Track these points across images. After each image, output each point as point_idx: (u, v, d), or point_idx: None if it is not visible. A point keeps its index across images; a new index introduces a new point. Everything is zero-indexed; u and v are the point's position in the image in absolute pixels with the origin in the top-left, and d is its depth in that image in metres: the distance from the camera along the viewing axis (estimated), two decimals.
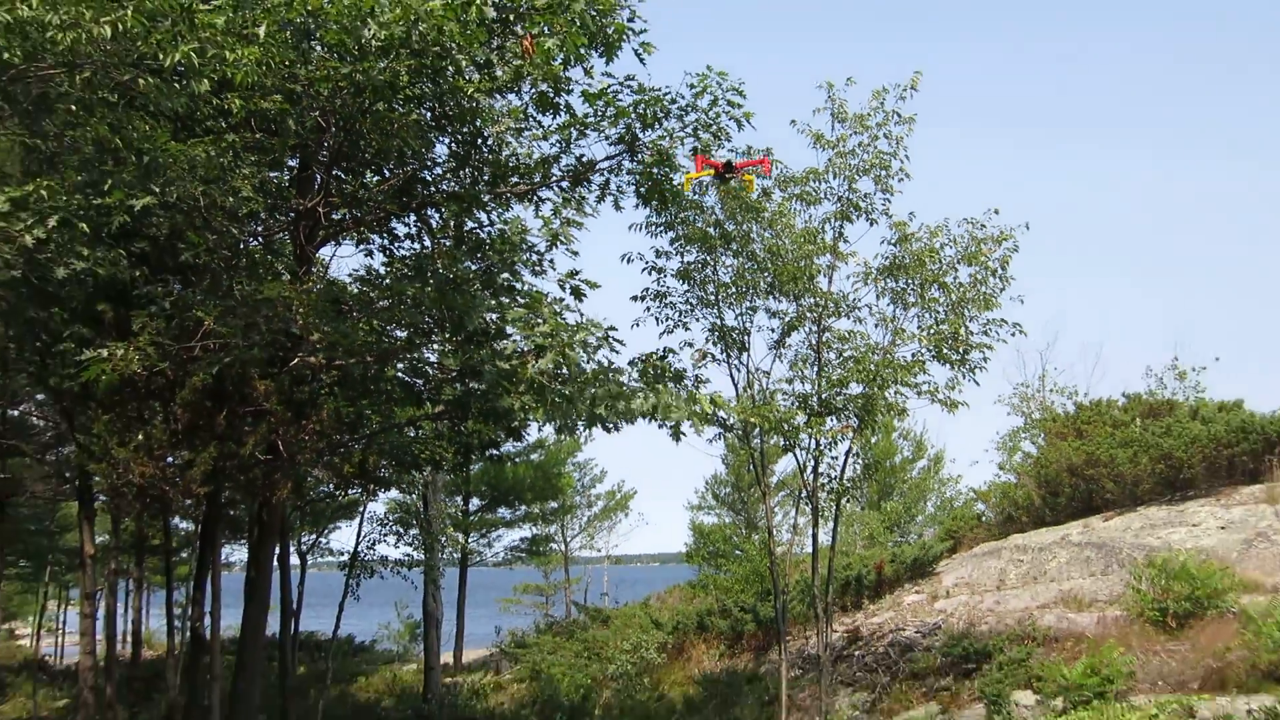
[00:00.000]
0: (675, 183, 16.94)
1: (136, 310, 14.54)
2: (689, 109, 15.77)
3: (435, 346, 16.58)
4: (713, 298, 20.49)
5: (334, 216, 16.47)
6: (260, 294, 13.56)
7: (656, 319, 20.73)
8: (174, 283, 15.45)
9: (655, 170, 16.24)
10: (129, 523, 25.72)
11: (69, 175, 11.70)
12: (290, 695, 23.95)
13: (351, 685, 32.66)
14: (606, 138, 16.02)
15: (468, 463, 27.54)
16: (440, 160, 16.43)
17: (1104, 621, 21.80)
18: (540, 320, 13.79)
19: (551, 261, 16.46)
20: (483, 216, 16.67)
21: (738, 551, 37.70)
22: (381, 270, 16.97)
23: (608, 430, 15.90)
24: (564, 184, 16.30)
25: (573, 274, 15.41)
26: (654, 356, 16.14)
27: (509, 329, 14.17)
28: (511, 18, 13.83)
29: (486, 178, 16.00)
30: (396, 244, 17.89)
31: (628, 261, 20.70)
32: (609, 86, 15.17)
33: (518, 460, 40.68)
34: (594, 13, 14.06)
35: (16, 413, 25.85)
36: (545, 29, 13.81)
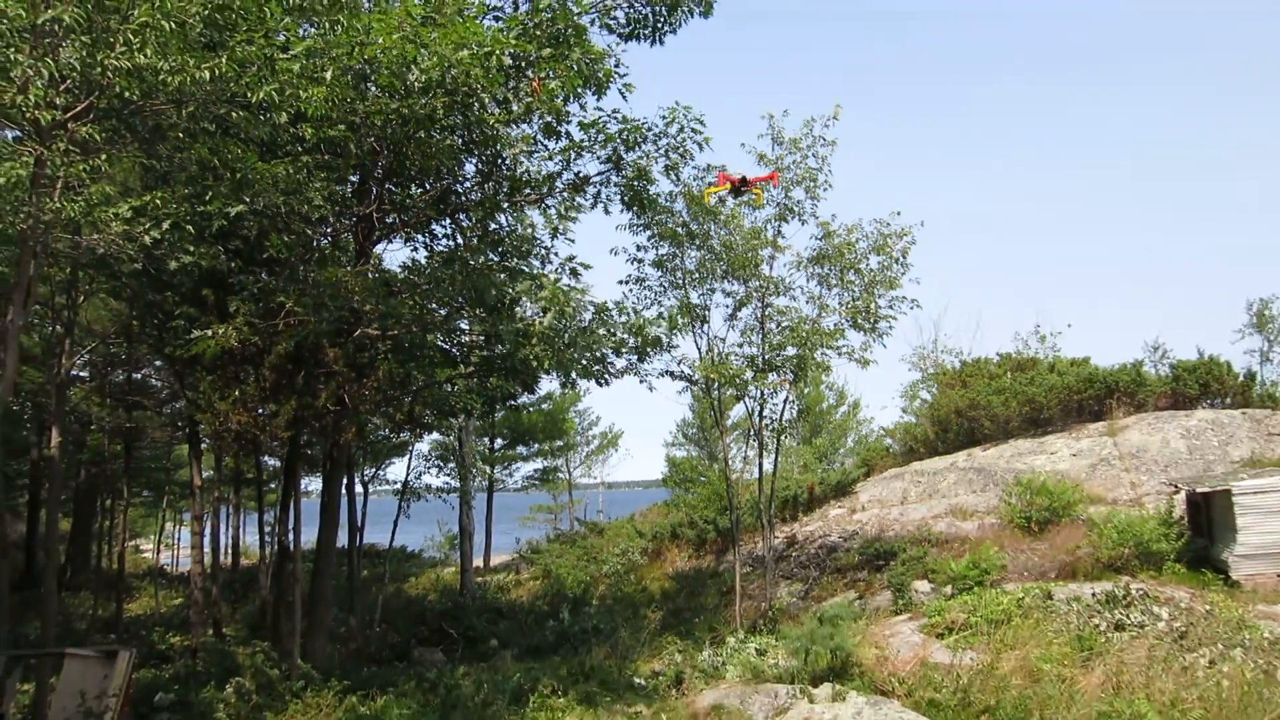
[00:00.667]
0: (651, 193, 16.96)
1: (232, 295, 14.54)
2: (661, 135, 15.78)
3: (466, 320, 16.59)
4: (680, 282, 20.48)
5: (387, 220, 16.43)
6: (324, 278, 13.58)
7: (637, 299, 20.78)
8: (261, 273, 15.40)
9: (636, 183, 16.27)
10: (229, 460, 25.83)
11: (178, 189, 11.65)
12: (356, 592, 24.05)
13: (404, 584, 32.79)
14: (598, 158, 16.04)
15: (493, 411, 27.55)
16: (469, 176, 16.36)
17: (983, 527, 22.09)
18: (543, 289, 13.84)
19: (554, 251, 16.49)
20: (502, 219, 16.69)
21: (702, 478, 37.83)
22: (423, 261, 16.94)
23: (600, 384, 16.04)
24: (565, 194, 16.28)
25: (570, 259, 15.52)
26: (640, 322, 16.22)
27: (522, 300, 14.17)
28: (524, 64, 13.74)
29: (505, 189, 15.96)
30: (435, 241, 17.84)
31: (614, 254, 20.71)
32: (599, 118, 15.18)
33: (531, 409, 40.74)
34: (588, 61, 14.03)
35: (140, 375, 25.78)
36: (550, 73, 13.77)
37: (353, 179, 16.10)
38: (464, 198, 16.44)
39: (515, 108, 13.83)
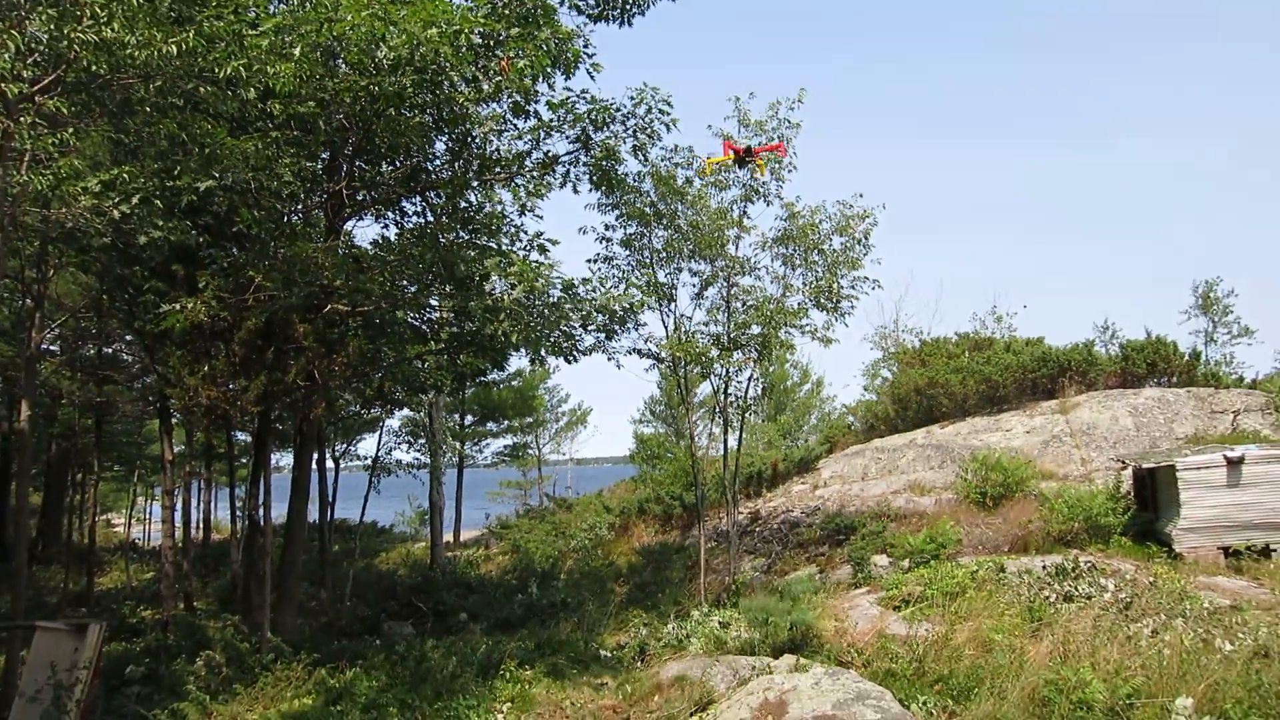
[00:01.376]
0: (620, 173, 16.88)
1: (202, 269, 14.34)
2: (630, 115, 15.67)
3: (435, 296, 16.50)
4: (648, 261, 20.47)
5: (357, 197, 16.27)
6: (294, 253, 13.45)
7: (605, 278, 20.71)
8: (231, 248, 15.22)
9: (604, 163, 16.15)
10: (199, 435, 25.63)
11: (147, 163, 11.47)
12: (327, 566, 23.96)
13: (375, 559, 32.67)
14: (566, 137, 15.92)
15: (463, 387, 27.52)
16: (439, 154, 16.21)
17: (940, 503, 22.37)
18: (511, 265, 13.78)
19: (522, 227, 16.38)
20: (472, 198, 16.54)
21: (669, 454, 38.04)
22: (393, 238, 16.81)
23: (569, 361, 16.01)
24: (534, 173, 16.18)
25: (538, 235, 15.48)
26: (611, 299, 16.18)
27: (492, 276, 14.10)
28: (492, 43, 13.59)
29: (475, 168, 15.83)
30: (405, 219, 17.69)
31: (583, 233, 20.58)
32: (568, 98, 15.06)
33: (501, 386, 40.69)
34: (556, 41, 13.95)
35: (110, 350, 25.42)
36: (518, 53, 13.64)
37: (323, 156, 15.90)
38: (434, 176, 16.28)
39: (485, 86, 13.69)
